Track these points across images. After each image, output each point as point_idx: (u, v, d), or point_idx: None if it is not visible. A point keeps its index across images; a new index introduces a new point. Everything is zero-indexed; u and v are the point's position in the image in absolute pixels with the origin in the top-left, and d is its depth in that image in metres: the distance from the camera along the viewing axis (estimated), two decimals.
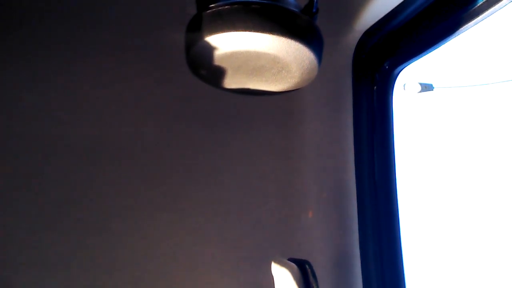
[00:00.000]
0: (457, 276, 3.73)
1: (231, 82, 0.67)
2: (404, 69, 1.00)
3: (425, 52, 0.90)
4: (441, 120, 4.25)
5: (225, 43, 0.58)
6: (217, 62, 0.62)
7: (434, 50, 0.89)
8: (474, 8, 0.76)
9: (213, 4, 0.59)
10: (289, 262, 0.78)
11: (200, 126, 0.97)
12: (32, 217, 0.87)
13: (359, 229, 1.01)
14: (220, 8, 0.58)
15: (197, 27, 0.59)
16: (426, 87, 3.91)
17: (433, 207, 4.04)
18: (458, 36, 0.82)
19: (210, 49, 0.59)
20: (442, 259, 3.81)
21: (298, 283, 0.75)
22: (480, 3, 0.75)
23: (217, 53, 0.60)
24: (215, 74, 0.65)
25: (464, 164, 4.14)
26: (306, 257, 0.80)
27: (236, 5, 0.57)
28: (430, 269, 3.73)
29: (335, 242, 1.01)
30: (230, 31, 0.57)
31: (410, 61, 0.96)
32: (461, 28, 0.79)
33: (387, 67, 1.00)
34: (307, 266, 0.77)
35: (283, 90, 0.69)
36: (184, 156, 0.96)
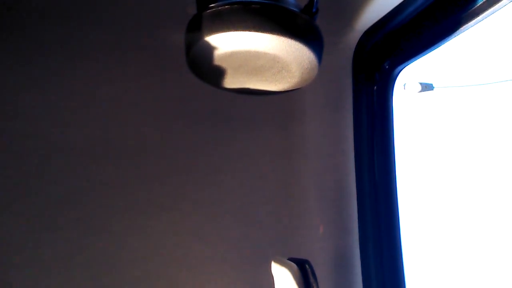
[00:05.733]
0: (457, 276, 3.73)
1: (231, 82, 0.67)
2: (404, 69, 1.00)
3: (425, 52, 0.90)
4: (441, 120, 4.25)
5: (225, 43, 0.58)
6: (217, 62, 0.62)
7: (434, 50, 0.89)
8: (474, 8, 0.76)
9: (213, 4, 0.59)
10: (289, 262, 0.78)
11: (200, 126, 0.97)
12: (32, 217, 0.87)
13: (359, 229, 1.01)
14: (220, 8, 0.58)
15: (197, 27, 0.59)
16: (426, 87, 3.91)
17: (433, 207, 4.04)
18: (458, 36, 0.82)
19: (210, 49, 0.59)
20: (442, 259, 3.81)
21: (298, 283, 0.75)
22: (480, 3, 0.75)
23: (217, 53, 0.60)
24: (215, 74, 0.65)
25: (464, 164, 4.14)
26: (306, 257, 0.80)
27: (236, 5, 0.57)
28: (430, 269, 3.73)
29: (335, 242, 1.01)
30: (230, 31, 0.57)
31: (410, 61, 0.96)
32: (461, 28, 0.79)
33: (387, 67, 1.00)
34: (307, 266, 0.77)
35: (283, 90, 0.69)
36: (184, 156, 0.96)
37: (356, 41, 0.98)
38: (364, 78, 1.02)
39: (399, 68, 1.00)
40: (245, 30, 0.57)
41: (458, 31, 0.80)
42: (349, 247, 1.01)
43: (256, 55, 0.60)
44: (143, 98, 0.94)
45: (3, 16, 0.85)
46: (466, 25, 0.78)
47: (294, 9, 0.60)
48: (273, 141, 1.01)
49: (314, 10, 0.63)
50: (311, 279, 0.76)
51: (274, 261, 0.81)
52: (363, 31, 0.96)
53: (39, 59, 0.88)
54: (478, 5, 0.76)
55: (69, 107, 0.90)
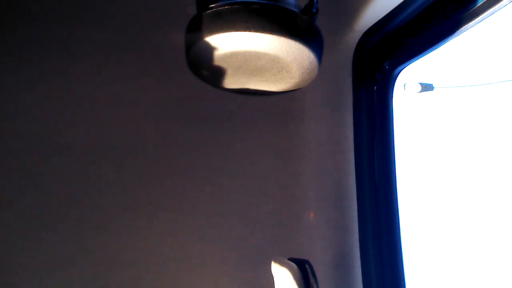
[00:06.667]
0: (457, 276, 3.73)
1: (231, 82, 0.67)
2: (404, 69, 1.00)
3: (425, 52, 0.90)
4: (441, 120, 4.25)
5: (225, 43, 0.58)
6: (217, 62, 0.62)
7: (434, 50, 0.89)
8: (474, 8, 0.76)
9: (213, 4, 0.59)
10: (289, 262, 0.78)
11: (200, 126, 0.97)
12: (32, 217, 0.87)
13: (359, 229, 1.01)
14: (220, 8, 0.58)
15: (197, 27, 0.59)
16: (426, 87, 3.91)
17: (433, 207, 4.05)
18: (458, 36, 0.82)
19: (210, 49, 0.59)
20: (442, 259, 3.81)
21: (298, 283, 0.75)
22: (480, 3, 0.75)
23: (217, 53, 0.60)
24: (215, 74, 0.65)
25: (464, 164, 4.14)
26: (306, 257, 0.80)
27: (236, 5, 0.57)
28: (430, 269, 3.73)
29: (335, 242, 1.01)
30: (230, 31, 0.57)
31: (410, 61, 0.96)
32: (461, 28, 0.79)
33: (387, 67, 1.00)
34: (307, 266, 0.77)
35: (283, 90, 0.69)
36: (184, 156, 0.96)
37: (356, 41, 0.98)
38: (364, 78, 1.02)
39: (399, 68, 1.00)
40: (245, 30, 0.57)
41: (458, 31, 0.80)
42: (349, 247, 1.01)
43: (256, 56, 0.60)
44: (143, 98, 0.94)
45: (3, 16, 0.85)
46: (466, 25, 0.78)
47: (294, 9, 0.60)
48: (273, 141, 1.01)
49: (314, 10, 0.63)
50: (311, 279, 0.76)
51: (274, 261, 0.81)
52: (363, 31, 0.96)
53: (39, 59, 0.88)
54: (478, 5, 0.75)
55: (69, 107, 0.90)
